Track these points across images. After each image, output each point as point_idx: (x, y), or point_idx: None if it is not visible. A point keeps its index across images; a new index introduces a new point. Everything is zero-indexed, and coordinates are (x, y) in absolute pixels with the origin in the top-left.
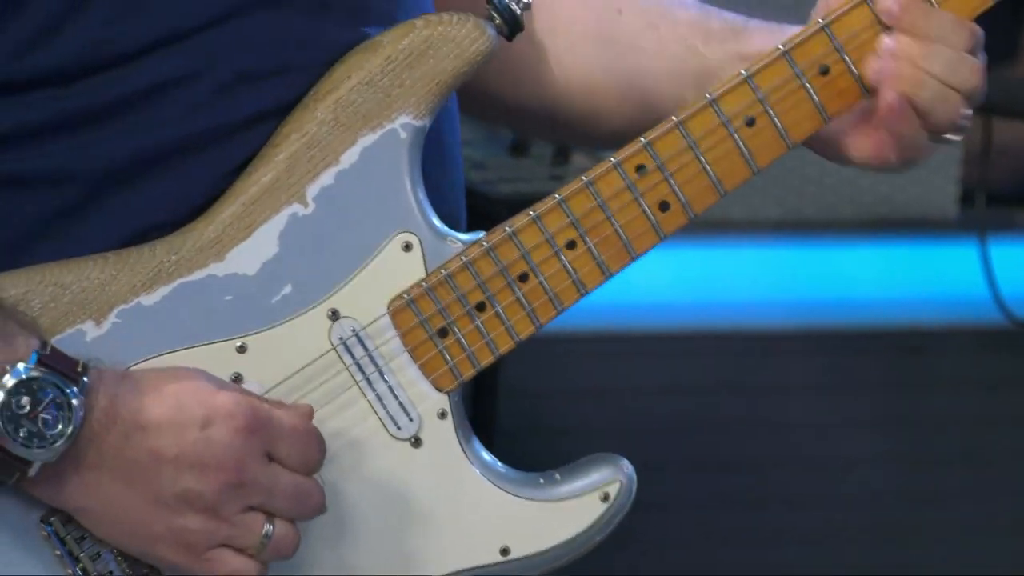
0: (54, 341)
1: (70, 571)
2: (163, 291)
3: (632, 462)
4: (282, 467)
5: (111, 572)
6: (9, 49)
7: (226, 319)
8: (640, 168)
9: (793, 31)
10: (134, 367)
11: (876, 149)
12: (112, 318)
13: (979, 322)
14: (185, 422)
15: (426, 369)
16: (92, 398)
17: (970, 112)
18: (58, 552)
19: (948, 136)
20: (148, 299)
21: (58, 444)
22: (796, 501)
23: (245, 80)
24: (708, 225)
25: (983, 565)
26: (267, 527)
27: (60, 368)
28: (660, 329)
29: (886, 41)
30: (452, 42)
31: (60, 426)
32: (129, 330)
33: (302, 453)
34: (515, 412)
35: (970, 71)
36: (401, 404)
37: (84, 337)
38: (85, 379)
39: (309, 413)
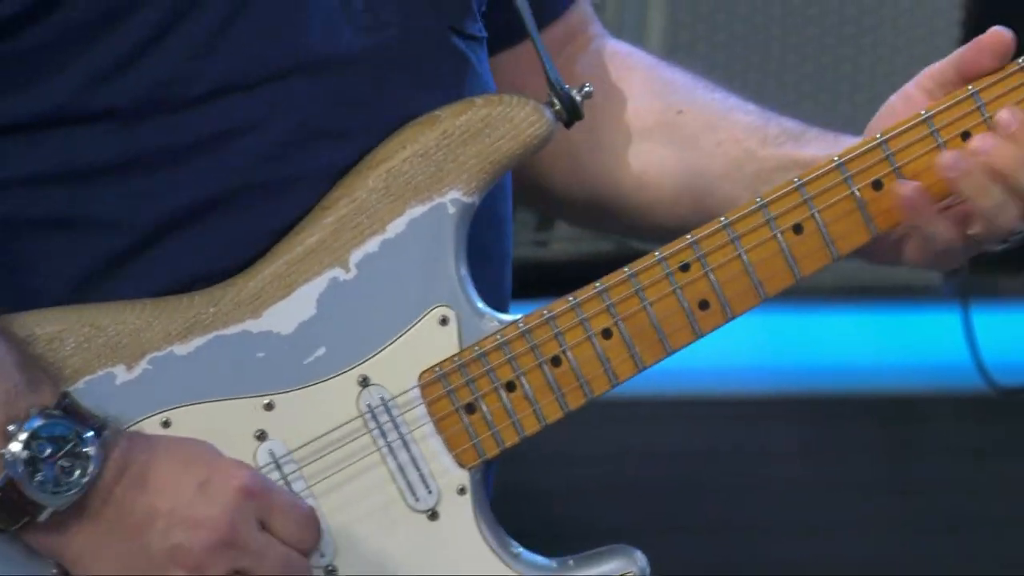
0: (84, 381)
1: None
2: (197, 342)
3: (615, 524)
4: (275, 540)
5: None
6: (81, 80)
7: (257, 375)
8: (684, 266)
9: (850, 142)
10: (161, 414)
11: (911, 251)
12: (144, 364)
13: (962, 389)
14: (186, 479)
15: (450, 443)
16: (108, 450)
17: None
18: None
19: (990, 245)
20: (182, 348)
21: (72, 492)
22: (782, 565)
23: (305, 136)
24: None
25: None
26: None
27: (81, 417)
28: (643, 394)
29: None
30: (510, 123)
31: (77, 473)
32: (160, 377)
33: (296, 529)
34: (503, 476)
35: None
36: (422, 476)
37: (114, 380)
38: (105, 431)
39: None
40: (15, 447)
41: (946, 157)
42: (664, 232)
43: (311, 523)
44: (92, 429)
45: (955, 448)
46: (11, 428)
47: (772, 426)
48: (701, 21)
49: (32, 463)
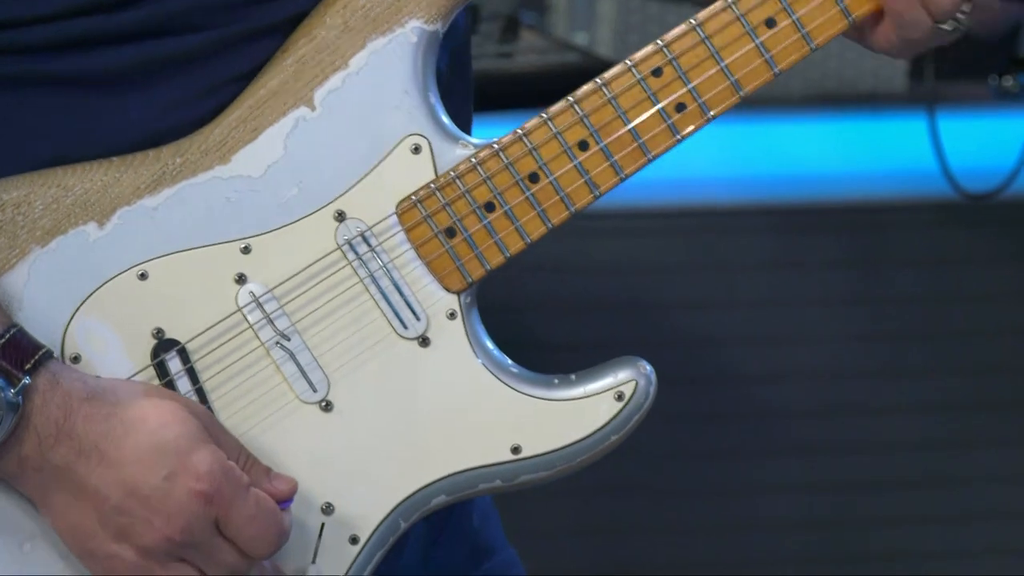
0: (56, 241)
1: None
2: (167, 192)
3: (580, 340)
4: (228, 544)
5: None
6: None
7: (231, 220)
8: (656, 71)
9: None
10: (136, 267)
11: (882, 35)
12: (115, 219)
13: (929, 195)
14: (152, 465)
15: (433, 268)
16: (39, 402)
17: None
18: None
19: (943, 27)
20: (152, 200)
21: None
22: (749, 377)
23: None
24: None
25: (938, 438)
26: None
27: (10, 360)
28: (608, 207)
29: None
30: None
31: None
32: (132, 231)
33: (254, 538)
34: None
35: None
36: (408, 303)
37: (87, 238)
38: (28, 378)
39: (290, 491)
40: None
41: None
42: None
43: (273, 529)
44: (11, 380)
45: (923, 256)
46: None
47: (739, 237)
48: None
49: None
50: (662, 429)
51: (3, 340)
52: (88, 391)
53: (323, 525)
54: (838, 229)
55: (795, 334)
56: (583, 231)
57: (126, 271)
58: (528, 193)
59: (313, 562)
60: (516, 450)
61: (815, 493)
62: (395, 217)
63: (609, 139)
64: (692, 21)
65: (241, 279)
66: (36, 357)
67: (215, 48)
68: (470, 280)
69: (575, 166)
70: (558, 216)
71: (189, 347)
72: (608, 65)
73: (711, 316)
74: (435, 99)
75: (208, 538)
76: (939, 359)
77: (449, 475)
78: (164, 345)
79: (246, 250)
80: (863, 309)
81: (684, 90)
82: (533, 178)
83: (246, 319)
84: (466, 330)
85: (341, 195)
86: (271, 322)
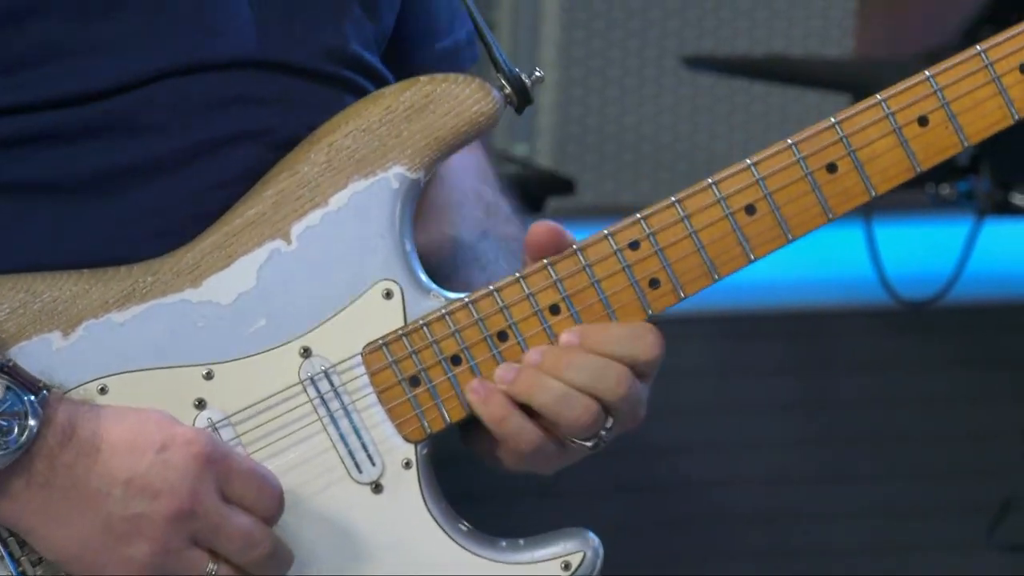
0: (19, 347)
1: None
2: (135, 310)
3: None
4: (236, 509)
5: None
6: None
7: (196, 345)
8: (633, 244)
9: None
10: (97, 381)
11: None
12: (80, 331)
13: (867, 303)
14: (142, 446)
15: (393, 414)
16: (50, 412)
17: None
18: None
19: (579, 441)
20: (119, 316)
21: (11, 449)
22: (695, 484)
23: (242, 100)
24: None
25: (882, 542)
26: (211, 567)
27: (20, 379)
28: None
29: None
30: (454, 99)
31: (15, 433)
32: (96, 344)
33: (258, 496)
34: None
35: (615, 379)
36: (364, 447)
37: (50, 346)
38: (45, 392)
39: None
40: None
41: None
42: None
43: (272, 489)
44: (32, 392)
45: (864, 362)
46: None
47: (682, 345)
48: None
49: None
50: (609, 539)
51: (11, 363)
52: (82, 400)
53: None
54: (779, 336)
55: (739, 439)
56: None
57: (87, 383)
58: (495, 351)
59: None
60: None
61: None
62: (360, 358)
63: (581, 306)
64: (672, 198)
65: (200, 404)
66: (40, 379)
67: (180, 157)
68: (429, 431)
69: (544, 329)
70: None
71: None
72: (546, 176)
73: (656, 423)
74: (410, 247)
75: (215, 504)
76: (884, 464)
77: None
78: None
79: (208, 376)
80: (805, 413)
81: (659, 266)
82: (502, 336)
83: None
84: (420, 482)
85: (309, 331)
86: None
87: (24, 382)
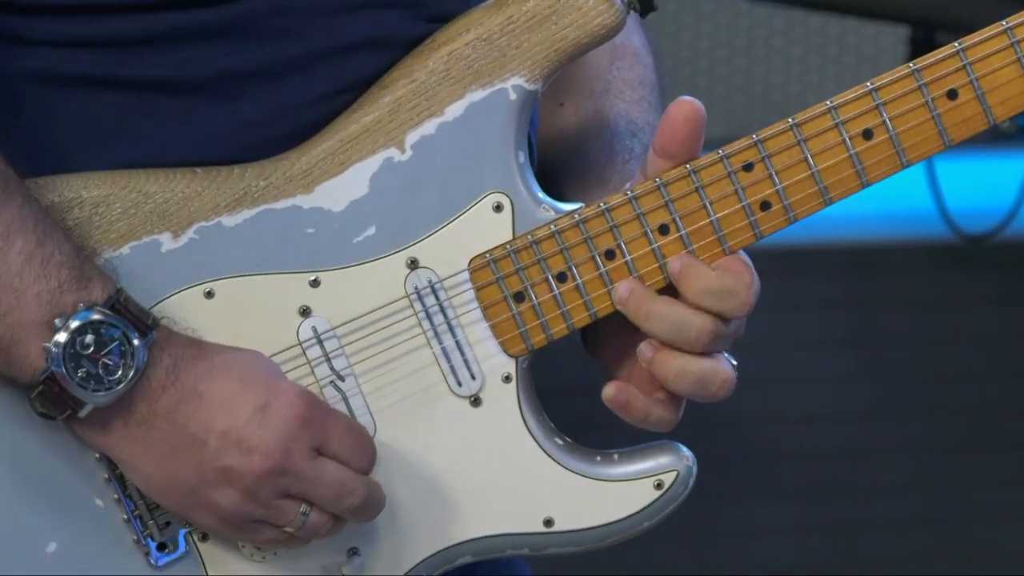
0: (129, 247)
1: (106, 475)
2: (246, 214)
3: (580, 382)
4: (330, 461)
5: (168, 523)
6: None
7: (304, 251)
8: (747, 166)
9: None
10: (204, 284)
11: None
12: (191, 233)
13: (927, 237)
14: (244, 400)
15: (497, 330)
16: (156, 353)
17: None
18: (97, 456)
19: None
20: (230, 220)
21: (114, 390)
22: (743, 421)
23: (369, 5)
24: None
25: (934, 482)
26: (303, 510)
27: (131, 316)
28: None
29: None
30: (578, 11)
31: (120, 372)
32: (205, 247)
33: (352, 452)
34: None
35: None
36: (466, 361)
37: (160, 247)
38: (153, 333)
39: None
40: (59, 340)
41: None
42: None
43: (367, 445)
44: (140, 330)
45: (921, 298)
46: (57, 322)
47: None
48: None
49: (76, 359)
50: None
51: (122, 296)
52: (191, 340)
53: (344, 573)
54: (835, 270)
55: (793, 376)
56: None
57: (194, 286)
58: (602, 270)
59: None
60: (549, 523)
61: (808, 535)
62: (467, 273)
63: (691, 228)
64: (790, 120)
65: (306, 312)
66: (151, 313)
67: (305, 62)
68: (530, 346)
69: (652, 250)
70: None
71: None
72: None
73: None
74: (524, 159)
75: (308, 462)
76: (940, 402)
77: (479, 538)
78: None
79: (315, 283)
80: (861, 351)
81: (772, 189)
82: (609, 255)
83: (305, 354)
84: (519, 396)
85: (417, 242)
86: (329, 361)
87: (133, 320)
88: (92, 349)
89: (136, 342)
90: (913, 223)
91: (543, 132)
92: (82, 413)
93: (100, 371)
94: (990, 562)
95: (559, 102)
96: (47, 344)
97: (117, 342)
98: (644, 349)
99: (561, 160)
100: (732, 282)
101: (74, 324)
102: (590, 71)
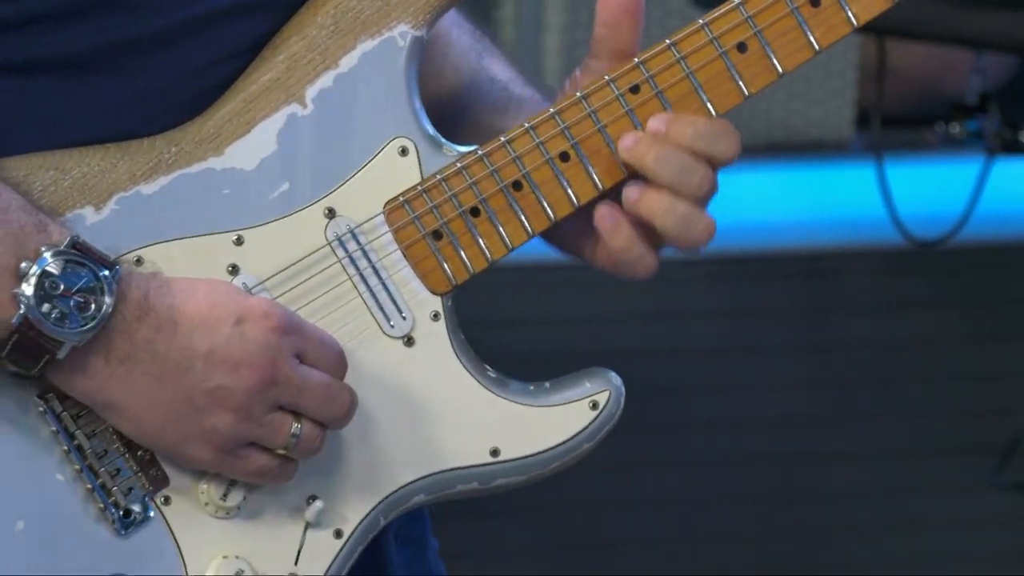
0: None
1: (64, 447)
2: (162, 181)
3: (494, 316)
4: (314, 370)
5: (119, 470)
6: None
7: (224, 212)
8: (634, 88)
9: None
10: (132, 253)
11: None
12: (111, 204)
13: (879, 243)
14: (219, 318)
15: (419, 269)
16: (125, 287)
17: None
18: (53, 429)
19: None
20: (147, 188)
21: (89, 325)
22: (700, 427)
23: None
24: None
25: (886, 487)
26: (295, 427)
27: (95, 254)
28: (561, 259)
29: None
30: None
31: (92, 308)
32: (128, 217)
33: (331, 357)
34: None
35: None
36: (395, 302)
37: (84, 221)
38: (118, 267)
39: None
40: (28, 285)
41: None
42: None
43: (340, 351)
44: (106, 265)
45: (874, 302)
46: (23, 266)
47: (690, 287)
48: None
49: (48, 299)
50: (613, 478)
51: (80, 240)
52: (152, 273)
53: (307, 519)
54: (788, 277)
55: (746, 382)
56: (538, 282)
57: (122, 255)
58: (511, 200)
59: (298, 555)
60: (495, 452)
61: (766, 540)
62: (383, 216)
63: (589, 151)
64: (667, 40)
65: (234, 270)
66: (108, 255)
67: (189, 29)
68: (454, 283)
69: (556, 175)
70: (540, 225)
71: None
72: None
73: (663, 364)
74: (419, 104)
75: (294, 368)
76: (888, 404)
77: (430, 475)
78: None
79: (239, 241)
80: (813, 355)
81: (659, 108)
82: (516, 186)
83: None
84: (448, 332)
85: (331, 192)
86: None
87: (98, 257)
88: (63, 287)
89: (105, 273)
90: (865, 229)
91: (430, 103)
92: (61, 354)
93: (73, 309)
94: (947, 565)
95: (438, 72)
96: (16, 290)
97: (86, 279)
98: (630, 190)
99: (451, 120)
100: (722, 125)
101: (42, 266)
102: (465, 44)
